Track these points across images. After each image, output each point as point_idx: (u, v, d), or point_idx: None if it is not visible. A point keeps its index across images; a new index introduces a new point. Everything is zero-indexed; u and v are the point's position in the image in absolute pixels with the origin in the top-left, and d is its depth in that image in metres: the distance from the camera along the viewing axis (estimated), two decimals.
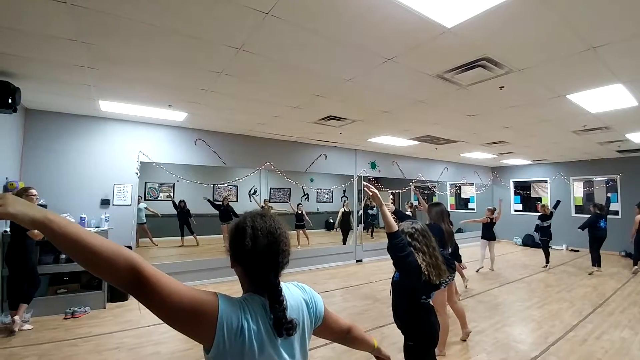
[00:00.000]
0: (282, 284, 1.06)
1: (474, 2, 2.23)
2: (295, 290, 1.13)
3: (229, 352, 0.89)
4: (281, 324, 0.96)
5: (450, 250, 3.61)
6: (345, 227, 9.59)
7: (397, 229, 2.04)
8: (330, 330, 1.22)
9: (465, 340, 3.81)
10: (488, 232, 7.40)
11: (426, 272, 1.97)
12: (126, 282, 0.79)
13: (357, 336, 1.32)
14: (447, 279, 3.22)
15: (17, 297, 3.93)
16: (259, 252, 0.99)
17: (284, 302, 1.00)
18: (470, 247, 10.68)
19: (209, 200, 9.11)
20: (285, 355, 0.99)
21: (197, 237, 9.52)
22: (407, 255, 1.99)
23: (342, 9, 2.32)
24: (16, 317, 3.84)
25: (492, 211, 7.47)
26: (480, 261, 7.45)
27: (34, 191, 3.98)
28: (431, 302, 2.17)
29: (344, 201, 10.16)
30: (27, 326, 3.98)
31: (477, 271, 7.26)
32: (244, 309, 0.94)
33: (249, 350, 0.91)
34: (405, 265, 2.01)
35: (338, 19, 2.46)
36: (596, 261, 7.33)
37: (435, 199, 13.00)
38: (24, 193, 3.92)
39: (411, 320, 2.12)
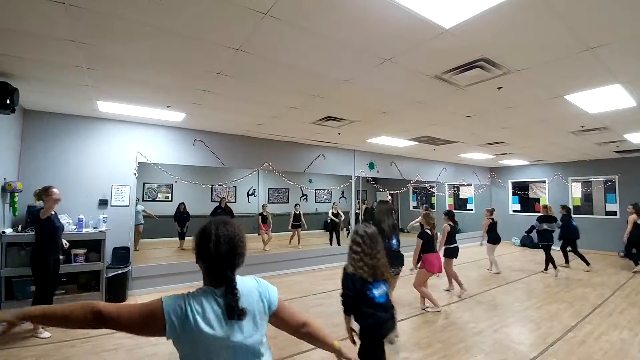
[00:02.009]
0: (238, 278, 1.27)
1: (472, 3, 2.23)
2: (250, 282, 1.33)
3: (181, 335, 1.12)
4: (233, 310, 1.17)
5: (396, 241, 3.93)
6: (333, 229, 9.83)
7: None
8: (284, 321, 1.38)
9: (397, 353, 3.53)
10: (494, 235, 7.26)
11: (354, 269, 2.29)
12: (94, 323, 1.07)
13: (312, 332, 1.43)
14: (394, 271, 3.69)
15: (43, 301, 3.81)
16: (220, 255, 1.20)
17: (237, 293, 1.20)
18: (469, 248, 10.70)
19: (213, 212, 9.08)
20: (236, 334, 1.18)
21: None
22: (349, 299, 2.32)
23: (341, 9, 2.32)
24: (41, 328, 3.85)
25: (492, 211, 7.45)
26: (495, 265, 7.31)
27: (55, 190, 3.91)
28: (383, 300, 2.32)
29: (334, 202, 10.35)
30: (46, 334, 3.83)
31: (495, 272, 7.22)
32: (188, 297, 1.17)
33: (196, 327, 1.12)
34: (347, 290, 2.32)
35: (336, 20, 2.46)
36: (582, 260, 7.42)
37: (434, 200, 13.06)
38: (43, 193, 3.89)
39: (357, 309, 2.32)
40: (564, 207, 7.95)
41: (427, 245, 4.84)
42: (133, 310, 1.11)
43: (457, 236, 12.27)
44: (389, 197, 13.23)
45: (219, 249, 1.20)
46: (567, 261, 7.93)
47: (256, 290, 1.31)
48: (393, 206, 3.92)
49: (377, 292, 2.30)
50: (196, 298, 1.18)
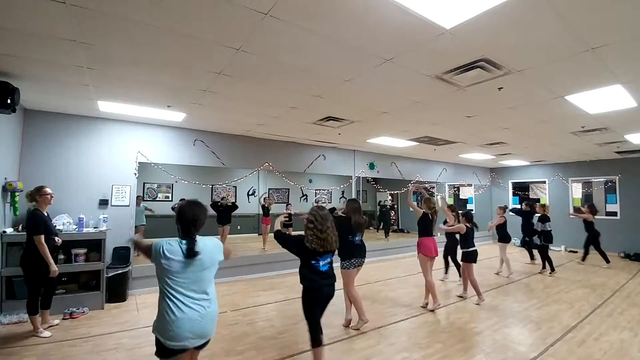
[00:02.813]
0: (199, 237, 2.13)
1: (472, 3, 2.23)
2: (209, 241, 2.20)
3: (159, 262, 2.01)
4: (190, 251, 2.04)
5: (359, 237, 4.22)
6: None
7: (275, 231, 3.14)
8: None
9: (358, 329, 4.04)
10: (506, 233, 7.12)
11: (308, 243, 2.88)
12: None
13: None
14: (356, 262, 4.13)
15: (37, 302, 3.80)
16: (188, 222, 2.12)
17: (196, 243, 2.07)
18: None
19: (213, 204, 8.69)
20: (192, 267, 2.05)
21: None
22: (285, 242, 3.01)
23: (341, 9, 2.32)
24: (41, 328, 3.83)
25: (505, 209, 7.33)
26: (507, 267, 7.08)
27: (48, 189, 3.90)
28: (325, 268, 2.95)
29: (317, 201, 10.32)
30: (46, 333, 3.84)
31: (507, 276, 6.96)
32: (165, 242, 2.05)
33: (165, 258, 2.01)
34: (289, 245, 3.01)
35: (337, 20, 2.46)
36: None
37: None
38: (36, 193, 3.86)
39: (301, 272, 2.98)
40: (529, 205, 8.35)
41: (423, 228, 4.89)
42: (146, 246, 2.11)
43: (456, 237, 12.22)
44: (389, 197, 13.26)
45: (188, 219, 2.13)
46: (532, 257, 8.48)
47: (210, 247, 2.18)
48: (360, 205, 4.27)
49: (322, 262, 2.94)
50: (170, 242, 2.07)
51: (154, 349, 2.08)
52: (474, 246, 5.29)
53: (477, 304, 5.10)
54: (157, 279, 2.05)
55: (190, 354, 2.12)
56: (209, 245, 2.15)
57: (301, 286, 2.97)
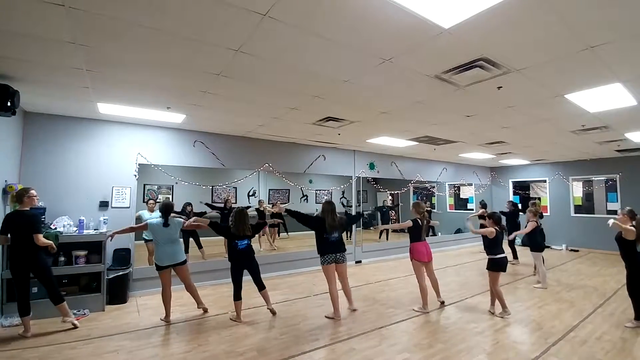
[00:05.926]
0: (171, 219, 4.39)
1: (471, 3, 2.23)
2: (173, 220, 4.42)
3: (153, 229, 4.33)
4: (166, 224, 4.33)
5: (336, 234, 4.62)
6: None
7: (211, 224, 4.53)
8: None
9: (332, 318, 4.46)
10: (537, 240, 6.26)
11: (232, 230, 4.40)
12: None
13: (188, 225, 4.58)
14: (330, 258, 4.55)
15: (27, 301, 3.83)
16: (165, 212, 4.39)
17: (169, 220, 4.36)
18: (468, 248, 10.70)
19: (207, 204, 8.86)
20: (167, 232, 4.34)
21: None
22: (220, 230, 4.54)
23: (340, 10, 2.32)
24: (72, 319, 4.14)
25: (535, 213, 6.34)
26: (543, 278, 6.11)
27: (34, 192, 3.96)
28: (242, 247, 4.41)
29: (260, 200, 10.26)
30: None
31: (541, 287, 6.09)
32: (154, 221, 4.41)
33: (153, 228, 4.32)
34: (223, 232, 4.55)
35: (336, 21, 2.46)
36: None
37: (434, 200, 13.07)
38: (24, 194, 3.88)
39: (227, 250, 4.66)
40: (511, 203, 8.71)
41: (414, 234, 4.89)
42: (144, 224, 4.51)
43: (457, 236, 12.24)
44: (390, 197, 13.26)
45: (164, 210, 4.38)
46: (515, 256, 8.44)
47: (174, 222, 4.40)
48: (334, 207, 4.68)
49: (240, 243, 4.40)
50: (156, 220, 4.38)
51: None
52: (503, 252, 4.64)
53: (502, 317, 4.56)
54: (153, 236, 4.31)
55: (169, 269, 4.35)
56: (173, 221, 4.37)
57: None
